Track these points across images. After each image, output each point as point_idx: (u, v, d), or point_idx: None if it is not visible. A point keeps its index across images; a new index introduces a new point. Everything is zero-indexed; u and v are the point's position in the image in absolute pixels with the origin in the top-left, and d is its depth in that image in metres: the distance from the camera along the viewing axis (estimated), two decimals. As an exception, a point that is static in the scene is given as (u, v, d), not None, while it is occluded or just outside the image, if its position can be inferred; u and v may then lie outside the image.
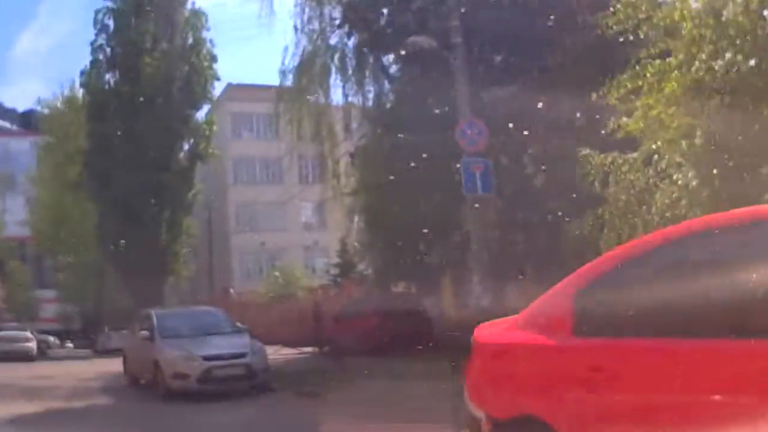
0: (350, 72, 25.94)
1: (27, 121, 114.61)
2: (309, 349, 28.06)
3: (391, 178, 22.02)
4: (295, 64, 25.96)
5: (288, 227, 60.96)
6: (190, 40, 45.37)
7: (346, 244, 46.15)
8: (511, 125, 19.39)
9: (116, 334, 40.11)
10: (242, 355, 15.58)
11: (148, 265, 40.21)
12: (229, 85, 57.23)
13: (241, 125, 65.18)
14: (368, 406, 12.37)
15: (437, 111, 21.21)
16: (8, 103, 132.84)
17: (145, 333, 17.08)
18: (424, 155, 19.98)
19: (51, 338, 65.57)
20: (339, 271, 46.81)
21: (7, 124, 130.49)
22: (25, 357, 31.56)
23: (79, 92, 53.09)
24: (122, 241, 41.71)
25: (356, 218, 27.95)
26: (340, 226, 46.47)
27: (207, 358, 15.07)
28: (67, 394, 17.98)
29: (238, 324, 18.33)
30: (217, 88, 47.84)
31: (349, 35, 25.28)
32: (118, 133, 41.02)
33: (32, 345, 34.00)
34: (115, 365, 22.97)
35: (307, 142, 27.10)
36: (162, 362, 15.53)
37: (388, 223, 22.95)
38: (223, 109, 52.98)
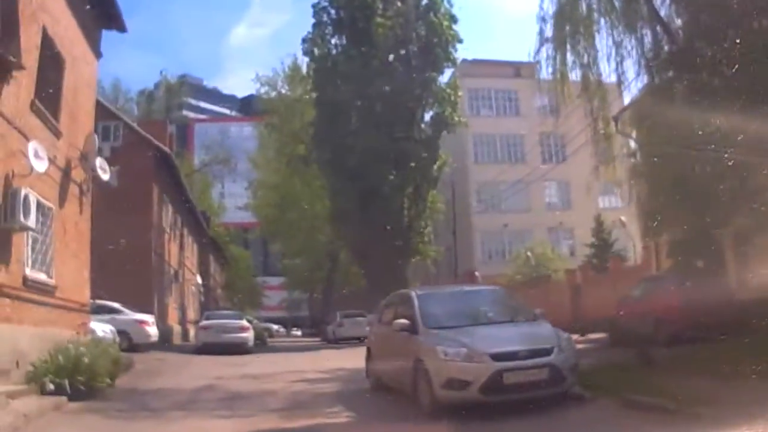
0: (618, 15, 23.55)
1: (246, 107, 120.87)
2: (594, 336, 24.85)
3: (683, 134, 19.42)
4: (554, 9, 23.37)
5: (531, 208, 60.75)
6: (425, 0, 43.36)
7: (602, 222, 43.94)
8: None
9: (350, 321, 39.91)
10: (545, 353, 11.52)
11: (388, 245, 39.16)
12: (464, 62, 55.66)
13: (478, 102, 64.78)
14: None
15: (743, 45, 18.40)
16: (226, 91, 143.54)
17: (402, 322, 13.17)
18: (728, 100, 17.31)
19: (274, 326, 67.62)
20: (593, 251, 43.98)
21: (226, 110, 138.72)
22: (239, 349, 29.31)
23: (302, 66, 54.04)
24: (358, 218, 40.27)
25: (630, 186, 25.31)
26: (588, 205, 47.37)
27: (496, 357, 11.24)
28: (285, 404, 14.03)
29: (531, 309, 14.05)
30: (459, 52, 44.90)
31: (614, -27, 22.18)
32: (350, 99, 40.04)
33: (248, 335, 30.93)
34: (350, 359, 20.68)
35: (572, 98, 24.85)
36: (429, 363, 11.68)
37: (679, 188, 20.34)
38: (459, 85, 50.75)
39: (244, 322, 31.65)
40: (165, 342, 33.94)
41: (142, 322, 27.58)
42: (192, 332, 42.14)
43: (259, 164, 73.20)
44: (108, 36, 21.59)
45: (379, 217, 39.12)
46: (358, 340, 36.45)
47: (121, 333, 25.37)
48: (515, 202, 57.28)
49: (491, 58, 63.03)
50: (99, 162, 20.84)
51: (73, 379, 13.70)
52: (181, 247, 44.35)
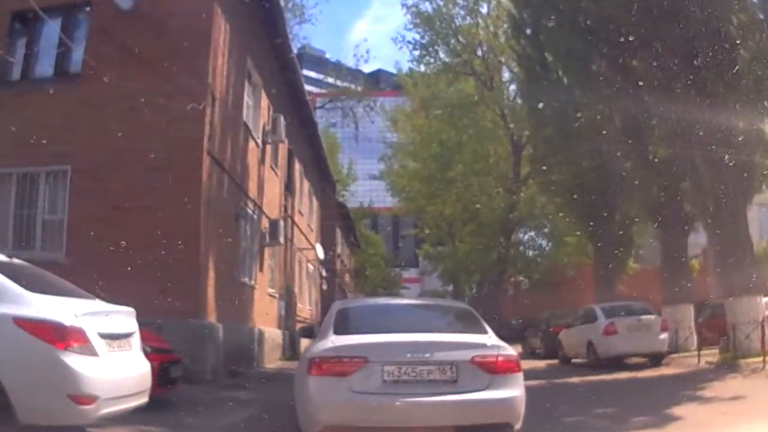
0: None
1: (373, 85, 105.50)
2: None
3: None
4: None
5: None
6: None
7: None
8: None
9: (626, 323, 18.71)
10: None
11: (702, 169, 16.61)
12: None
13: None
14: None
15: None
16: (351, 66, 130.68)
17: None
18: None
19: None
20: None
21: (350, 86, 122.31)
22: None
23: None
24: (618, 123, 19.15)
25: None
26: None
27: None
28: None
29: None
30: None
31: None
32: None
33: (510, 394, 7.06)
34: None
35: None
36: None
37: None
38: None
39: (503, 350, 7.10)
40: (234, 373, 14.11)
41: (37, 327, 6.01)
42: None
43: (399, 122, 56.28)
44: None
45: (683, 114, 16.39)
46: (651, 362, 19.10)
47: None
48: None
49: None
50: None
51: None
52: (289, 188, 23.59)
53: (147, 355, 8.87)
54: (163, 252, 12.20)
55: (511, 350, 7.15)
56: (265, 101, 19.25)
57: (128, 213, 12.63)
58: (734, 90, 15.20)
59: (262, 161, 18.89)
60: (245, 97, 17.13)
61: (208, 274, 13.37)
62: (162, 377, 9.08)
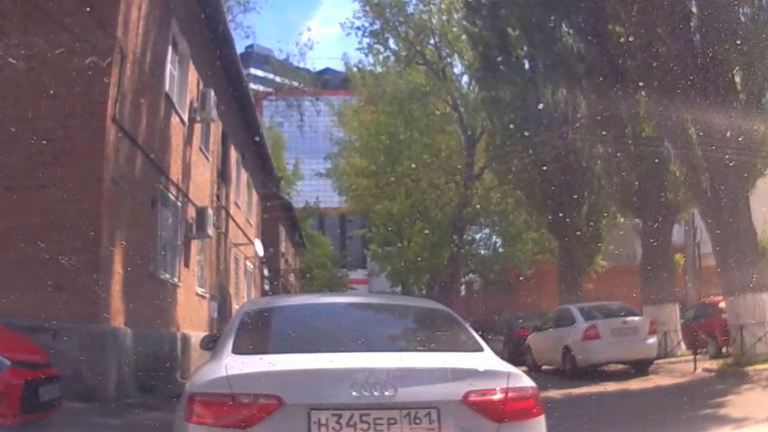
0: None
1: (323, 82, 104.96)
2: None
3: None
4: None
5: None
6: None
7: None
8: None
9: (609, 325, 17.07)
10: None
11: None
12: None
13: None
14: None
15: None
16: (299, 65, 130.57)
17: None
18: None
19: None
20: None
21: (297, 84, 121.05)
22: None
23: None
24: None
25: None
26: None
27: None
28: None
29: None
30: None
31: None
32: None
33: None
34: None
35: None
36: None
37: None
38: None
39: (514, 379, 4.30)
40: (147, 388, 11.90)
41: None
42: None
43: (347, 117, 54.58)
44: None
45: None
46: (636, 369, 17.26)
47: None
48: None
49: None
50: None
51: None
52: (223, 176, 21.30)
53: (7, 370, 6.73)
54: (57, 240, 10.07)
55: (527, 379, 4.28)
56: (194, 74, 16.92)
57: (22, 193, 10.41)
58: (734, 56, 13.44)
59: (188, 142, 16.54)
60: (168, 65, 14.78)
61: (113, 268, 11.02)
62: (27, 401, 6.80)
